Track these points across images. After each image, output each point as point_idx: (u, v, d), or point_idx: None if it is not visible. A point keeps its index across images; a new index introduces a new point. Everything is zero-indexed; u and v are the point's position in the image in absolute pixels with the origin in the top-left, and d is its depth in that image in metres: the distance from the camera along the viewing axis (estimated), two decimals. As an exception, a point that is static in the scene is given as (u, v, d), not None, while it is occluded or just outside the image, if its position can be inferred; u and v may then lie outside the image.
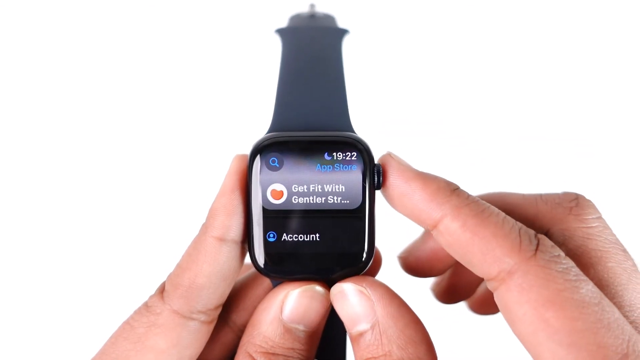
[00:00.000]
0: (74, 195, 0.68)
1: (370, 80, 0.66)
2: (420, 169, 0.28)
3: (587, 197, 0.29)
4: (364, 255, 0.28)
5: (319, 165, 0.27)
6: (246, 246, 0.28)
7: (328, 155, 0.27)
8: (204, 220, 0.28)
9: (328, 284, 0.28)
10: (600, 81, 0.69)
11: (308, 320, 0.28)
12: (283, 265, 0.28)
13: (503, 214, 0.26)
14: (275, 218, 0.27)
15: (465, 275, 0.35)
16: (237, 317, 0.30)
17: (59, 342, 0.66)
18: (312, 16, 0.40)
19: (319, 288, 0.28)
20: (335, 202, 0.27)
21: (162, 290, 0.28)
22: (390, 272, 0.33)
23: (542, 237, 0.25)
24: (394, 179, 0.27)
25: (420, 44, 0.69)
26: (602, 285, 0.26)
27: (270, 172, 0.27)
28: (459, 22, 0.70)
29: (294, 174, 0.27)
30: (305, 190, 0.27)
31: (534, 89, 0.70)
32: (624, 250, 0.27)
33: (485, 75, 0.70)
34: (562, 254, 0.25)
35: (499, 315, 0.26)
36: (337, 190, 0.27)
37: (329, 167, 0.27)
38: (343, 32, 0.36)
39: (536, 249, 0.24)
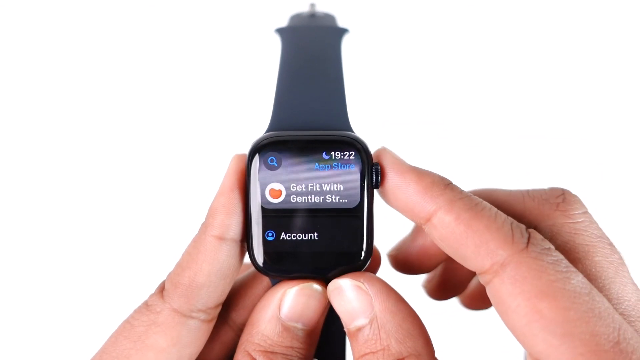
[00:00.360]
0: (74, 194, 0.68)
1: (369, 80, 0.66)
2: (418, 163, 0.28)
3: (573, 192, 0.29)
4: (362, 254, 0.28)
5: (317, 164, 0.28)
6: (245, 245, 0.28)
7: (326, 154, 0.28)
8: (203, 220, 0.28)
9: (326, 282, 0.28)
10: (586, 78, 0.69)
11: (306, 318, 0.28)
12: (282, 264, 0.28)
13: (495, 208, 0.26)
14: (274, 217, 0.28)
15: (457, 272, 0.35)
16: (237, 316, 0.31)
17: (60, 341, 0.66)
18: (313, 15, 0.40)
19: (316, 286, 0.28)
20: (334, 201, 0.28)
21: (162, 289, 0.28)
22: (389, 269, 0.34)
23: (532, 230, 0.26)
24: (388, 171, 0.27)
25: (419, 43, 0.69)
26: (590, 279, 0.27)
27: (268, 172, 0.28)
28: (457, 21, 0.70)
29: (292, 173, 0.28)
30: (304, 190, 0.28)
31: (524, 87, 0.70)
32: (610, 244, 0.28)
33: (483, 74, 0.70)
34: (552, 246, 0.25)
35: (492, 310, 0.27)
36: (336, 189, 0.28)
37: (327, 167, 0.28)
38: (343, 32, 0.36)
39: (528, 242, 0.25)
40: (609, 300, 0.26)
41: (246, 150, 0.28)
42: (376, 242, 0.29)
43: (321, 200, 0.28)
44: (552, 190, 0.29)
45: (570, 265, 0.25)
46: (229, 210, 0.27)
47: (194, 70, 0.69)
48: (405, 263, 0.34)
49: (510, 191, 0.30)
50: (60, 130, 0.69)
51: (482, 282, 0.26)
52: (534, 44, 0.70)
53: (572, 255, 0.27)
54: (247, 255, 0.29)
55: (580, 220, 0.28)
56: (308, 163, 0.28)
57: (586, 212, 0.28)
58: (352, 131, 0.29)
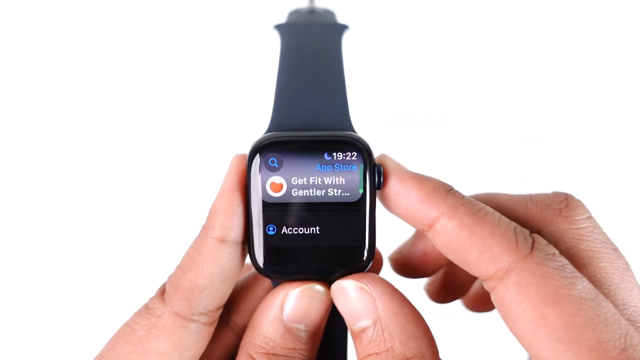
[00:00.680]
0: (72, 196, 0.68)
1: (370, 78, 0.65)
2: (417, 168, 0.28)
3: (577, 196, 0.29)
4: (365, 253, 0.27)
5: (318, 165, 0.27)
6: (246, 247, 0.28)
7: (328, 155, 0.27)
8: (203, 221, 0.28)
9: (329, 283, 0.28)
10: (588, 80, 0.69)
11: (309, 319, 0.27)
12: (283, 264, 0.27)
13: (498, 213, 0.26)
14: (275, 211, 0.27)
15: (458, 275, 0.35)
16: (238, 318, 0.30)
17: (58, 343, 0.66)
18: (312, 11, 0.40)
19: (319, 287, 0.28)
20: (336, 195, 0.27)
21: (162, 292, 0.28)
22: (390, 270, 0.33)
23: (536, 235, 0.25)
24: (389, 179, 0.27)
25: (420, 40, 0.69)
26: (596, 284, 0.26)
27: (269, 173, 0.27)
28: (459, 18, 0.69)
29: (294, 174, 0.27)
30: (305, 183, 0.27)
31: (528, 88, 0.70)
32: (615, 249, 0.27)
33: (485, 74, 0.70)
34: (557, 252, 0.25)
35: (495, 312, 0.26)
36: (337, 191, 0.27)
37: (329, 167, 0.27)
38: (343, 28, 0.35)
39: (532, 247, 0.24)
40: (615, 306, 0.25)
41: (246, 151, 0.28)
42: (378, 245, 0.29)
43: (323, 194, 0.27)
44: (555, 195, 0.29)
45: (575, 270, 0.24)
46: (230, 212, 0.27)
47: (192, 69, 0.68)
48: (406, 267, 0.33)
49: (513, 196, 0.29)
50: (58, 131, 0.68)
51: (486, 288, 0.26)
52: (538, 43, 0.70)
53: (576, 261, 0.27)
54: (247, 257, 0.28)
55: (584, 225, 0.27)
56: (309, 164, 0.27)
57: (590, 217, 0.28)
58: (354, 131, 0.29)
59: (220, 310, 0.28)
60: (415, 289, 0.33)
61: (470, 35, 0.69)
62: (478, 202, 0.26)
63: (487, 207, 0.26)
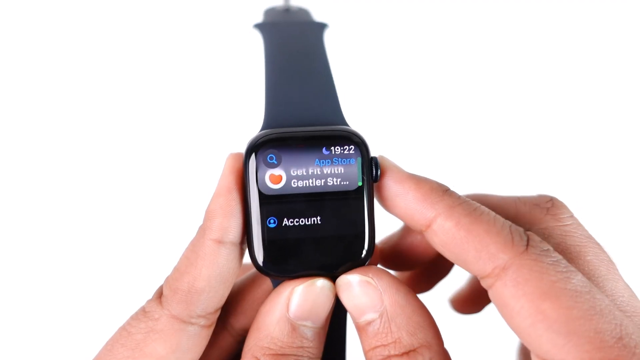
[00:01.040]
0: (67, 198, 0.66)
1: (356, 75, 0.65)
2: (407, 166, 0.28)
3: (560, 198, 0.30)
4: (366, 245, 0.27)
5: (317, 160, 0.27)
6: (244, 247, 0.27)
7: (326, 149, 0.27)
8: (198, 222, 0.27)
9: (332, 278, 0.28)
10: (577, 83, 0.71)
11: (315, 315, 0.27)
12: (284, 261, 0.27)
13: (493, 212, 0.26)
14: (275, 203, 0.27)
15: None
16: (235, 321, 0.30)
17: (54, 346, 0.64)
18: (287, 10, 0.40)
19: (324, 281, 0.27)
20: (335, 184, 0.27)
21: (159, 295, 0.27)
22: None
23: (530, 233, 0.26)
24: (386, 179, 0.27)
25: (405, 37, 0.69)
26: (586, 277, 0.27)
27: (267, 170, 0.27)
28: (447, 12, 0.70)
29: (293, 170, 0.27)
30: (304, 174, 0.27)
31: (513, 87, 0.71)
32: (597, 244, 0.29)
33: (474, 71, 0.70)
34: (551, 248, 0.26)
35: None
36: (337, 184, 0.27)
37: (328, 162, 0.27)
38: (323, 26, 0.36)
39: (527, 244, 0.25)
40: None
41: (241, 149, 0.28)
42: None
43: (322, 184, 0.27)
44: (541, 196, 0.30)
45: (569, 265, 0.25)
46: (227, 212, 0.26)
47: (179, 71, 0.67)
48: (392, 258, 0.34)
49: (503, 196, 0.30)
50: (52, 133, 0.67)
51: (484, 286, 0.26)
52: (528, 40, 0.70)
53: (565, 256, 0.27)
54: (245, 257, 0.28)
55: (569, 223, 0.29)
56: (308, 159, 0.27)
57: (573, 216, 0.29)
58: (348, 125, 0.29)
59: (218, 313, 0.28)
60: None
61: (460, 30, 0.70)
62: (474, 202, 0.27)
63: (483, 207, 0.26)
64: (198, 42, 0.67)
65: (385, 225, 0.31)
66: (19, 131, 0.67)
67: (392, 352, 0.26)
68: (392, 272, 0.34)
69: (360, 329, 0.27)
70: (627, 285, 0.27)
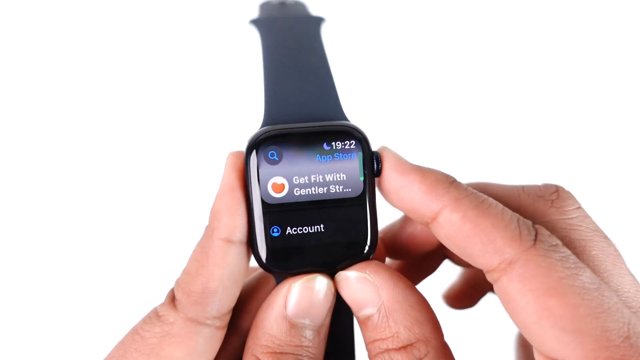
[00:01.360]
0: (66, 197, 0.66)
1: (355, 70, 0.65)
2: (414, 162, 0.28)
3: (566, 188, 0.29)
4: (368, 242, 0.27)
5: (318, 155, 0.27)
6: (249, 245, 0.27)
7: (327, 145, 0.27)
8: (195, 224, 0.27)
9: (333, 275, 0.28)
10: (577, 75, 0.70)
11: (314, 313, 0.27)
12: (288, 260, 0.27)
13: (501, 205, 0.26)
14: (278, 212, 0.27)
15: (478, 277, 0.35)
16: (243, 322, 0.30)
17: (56, 347, 0.64)
18: (283, 4, 0.39)
19: (322, 278, 0.27)
20: (337, 191, 0.27)
21: (172, 298, 0.27)
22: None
23: (539, 227, 0.25)
24: (390, 172, 0.27)
25: (403, 31, 0.69)
26: None
27: (269, 166, 0.27)
28: (440, 6, 0.70)
29: (294, 166, 0.27)
30: (307, 182, 0.27)
31: (517, 80, 0.70)
32: (605, 237, 0.28)
33: (472, 61, 0.70)
34: (559, 243, 0.25)
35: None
36: (338, 179, 0.27)
37: (329, 157, 0.27)
38: (320, 21, 0.35)
39: (535, 239, 0.25)
40: None
41: (241, 147, 0.27)
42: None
43: (325, 191, 0.27)
44: (546, 186, 0.29)
45: (578, 261, 0.25)
46: (233, 211, 0.26)
47: (176, 70, 0.67)
48: (391, 247, 0.33)
49: (506, 186, 0.29)
50: (54, 133, 0.66)
51: (489, 279, 0.25)
52: (528, 31, 0.70)
53: (570, 250, 0.26)
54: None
55: (574, 215, 0.28)
56: (309, 155, 0.27)
57: (580, 208, 0.28)
58: (347, 120, 0.29)
59: (230, 313, 0.28)
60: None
61: (460, 20, 0.70)
62: (481, 194, 0.26)
63: (490, 199, 0.26)
64: (195, 40, 0.67)
65: (386, 214, 0.31)
66: (23, 133, 0.67)
67: (390, 346, 0.26)
68: (389, 260, 0.35)
69: (361, 322, 0.27)
70: (635, 280, 0.27)
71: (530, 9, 0.70)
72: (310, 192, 0.27)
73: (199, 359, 0.27)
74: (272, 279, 0.29)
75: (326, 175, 0.27)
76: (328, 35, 0.35)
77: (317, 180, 0.27)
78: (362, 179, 0.27)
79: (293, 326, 0.27)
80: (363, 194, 0.27)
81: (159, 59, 0.67)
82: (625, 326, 0.23)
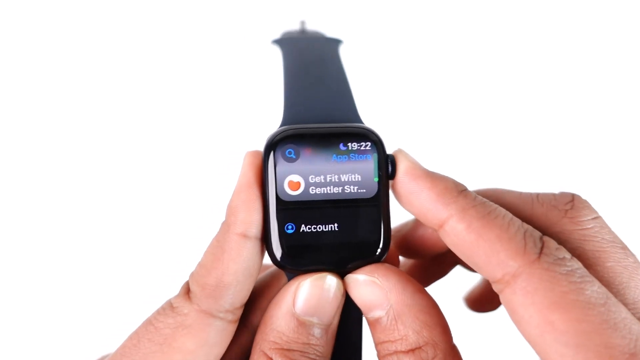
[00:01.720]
0: (78, 198, 0.67)
1: (370, 84, 0.66)
2: (428, 167, 0.28)
3: (584, 196, 0.29)
4: (380, 244, 0.27)
5: (334, 155, 0.27)
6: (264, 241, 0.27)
7: (343, 145, 0.27)
8: (204, 222, 0.27)
9: (344, 274, 0.28)
10: (595, 79, 0.70)
11: (322, 311, 0.27)
12: (300, 258, 0.27)
13: (510, 215, 0.26)
14: (294, 209, 0.27)
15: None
16: (255, 318, 0.29)
17: (62, 341, 0.64)
18: (303, 32, 0.41)
19: (331, 277, 0.27)
20: (352, 191, 0.27)
21: (187, 291, 0.27)
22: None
23: (547, 239, 0.25)
24: (402, 176, 0.27)
25: (420, 45, 0.70)
26: (604, 285, 0.26)
27: (286, 164, 0.27)
28: (448, 31, 0.70)
29: (311, 165, 0.27)
30: (322, 181, 0.27)
31: (531, 85, 0.70)
32: (624, 248, 0.27)
33: (488, 71, 0.70)
34: (568, 255, 0.25)
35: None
36: (353, 179, 0.27)
37: (345, 157, 0.27)
38: (338, 42, 0.37)
39: (540, 252, 0.24)
40: (625, 305, 0.25)
41: (257, 147, 0.28)
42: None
43: (340, 191, 0.27)
44: (562, 195, 0.28)
45: (586, 274, 0.24)
46: (249, 207, 0.26)
47: (195, 77, 0.69)
48: (402, 246, 0.33)
49: (520, 194, 0.29)
50: (70, 133, 0.68)
51: (494, 289, 0.25)
52: (541, 41, 0.70)
53: (582, 262, 0.26)
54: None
55: (589, 226, 0.27)
56: (326, 154, 0.27)
57: (597, 217, 0.28)
58: (363, 123, 0.29)
59: (243, 308, 0.28)
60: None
61: (472, 27, 0.70)
62: (490, 203, 0.26)
63: (499, 209, 0.26)
64: (219, 48, 0.69)
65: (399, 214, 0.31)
66: (44, 134, 0.68)
67: (399, 348, 0.26)
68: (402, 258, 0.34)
69: (370, 324, 0.27)
70: None
71: (539, 16, 0.71)
72: (325, 191, 0.27)
73: (210, 351, 0.27)
74: (284, 277, 0.29)
75: (341, 175, 0.27)
76: (346, 53, 0.36)
77: (333, 180, 0.27)
78: (376, 180, 0.27)
79: (301, 324, 0.27)
80: (377, 195, 0.27)
81: (186, 64, 0.69)
82: (632, 343, 0.23)
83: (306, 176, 0.27)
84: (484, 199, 0.26)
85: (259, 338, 0.27)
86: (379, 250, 0.27)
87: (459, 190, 0.26)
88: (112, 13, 0.69)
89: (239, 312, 0.27)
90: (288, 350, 0.26)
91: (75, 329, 0.64)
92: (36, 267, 0.66)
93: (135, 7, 0.69)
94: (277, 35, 0.39)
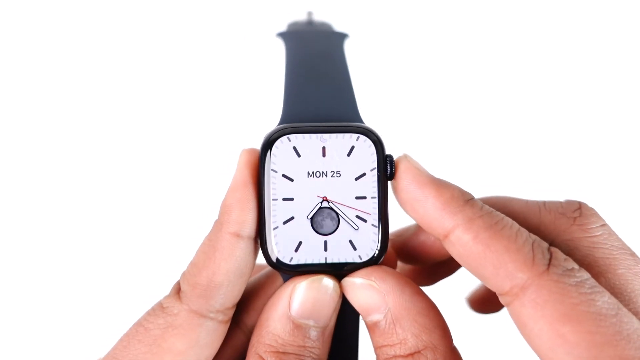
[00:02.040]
0: (75, 198, 0.67)
1: (374, 81, 0.65)
2: (430, 170, 0.27)
3: (590, 204, 0.28)
4: (378, 245, 0.27)
5: None
6: (258, 241, 0.27)
7: None
8: (203, 220, 0.27)
9: (341, 277, 0.27)
10: (605, 84, 0.69)
11: (318, 314, 0.26)
12: (295, 258, 0.27)
13: (517, 226, 0.25)
14: (290, 205, 0.26)
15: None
16: (248, 319, 0.29)
17: (59, 343, 0.64)
18: (310, 23, 0.40)
19: (328, 280, 0.27)
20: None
21: (177, 290, 0.27)
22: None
23: (555, 250, 0.24)
24: (406, 182, 0.26)
25: (419, 47, 0.69)
26: (615, 292, 0.25)
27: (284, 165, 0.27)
28: (455, 32, 0.70)
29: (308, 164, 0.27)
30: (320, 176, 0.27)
31: (534, 88, 0.69)
32: (632, 254, 0.27)
33: (492, 75, 0.70)
34: (576, 266, 0.24)
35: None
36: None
37: None
38: (344, 36, 0.36)
39: (549, 263, 0.24)
40: (636, 314, 0.25)
41: (254, 144, 0.27)
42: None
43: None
44: (569, 203, 0.28)
45: (596, 284, 0.24)
46: (243, 206, 0.26)
47: (193, 74, 0.68)
48: (402, 252, 0.33)
49: (527, 202, 0.28)
50: (69, 133, 0.68)
51: (502, 302, 0.25)
52: (547, 45, 0.69)
53: (593, 270, 0.26)
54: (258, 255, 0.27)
55: (598, 233, 0.27)
56: (323, 154, 0.27)
57: (604, 225, 0.27)
58: (363, 123, 0.28)
59: (234, 308, 0.27)
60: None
61: (476, 32, 0.69)
62: (497, 213, 0.25)
63: (506, 219, 0.25)
64: (214, 43, 0.68)
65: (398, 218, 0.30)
66: (66, 136, 0.68)
67: (398, 352, 0.26)
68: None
69: (369, 327, 0.27)
70: None
71: (550, 19, 0.69)
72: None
73: (201, 352, 0.26)
74: (279, 278, 0.29)
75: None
76: (351, 49, 0.35)
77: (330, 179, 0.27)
78: (375, 181, 0.27)
79: (297, 326, 0.26)
80: (376, 191, 0.27)
81: (181, 61, 0.69)
82: None
83: (303, 174, 0.27)
84: (491, 209, 0.25)
85: (254, 340, 0.27)
86: (375, 252, 0.27)
87: (466, 199, 0.25)
88: (110, 6, 0.68)
89: (230, 313, 0.27)
90: (283, 353, 0.26)
91: (68, 332, 0.64)
92: (31, 266, 0.66)
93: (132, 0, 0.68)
94: (284, 26, 0.39)
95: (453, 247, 0.25)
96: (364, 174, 0.27)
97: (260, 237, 0.27)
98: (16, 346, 0.64)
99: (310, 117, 0.28)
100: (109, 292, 0.64)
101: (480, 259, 0.24)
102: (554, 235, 0.27)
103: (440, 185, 0.26)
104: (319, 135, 0.27)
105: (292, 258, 0.27)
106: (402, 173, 0.26)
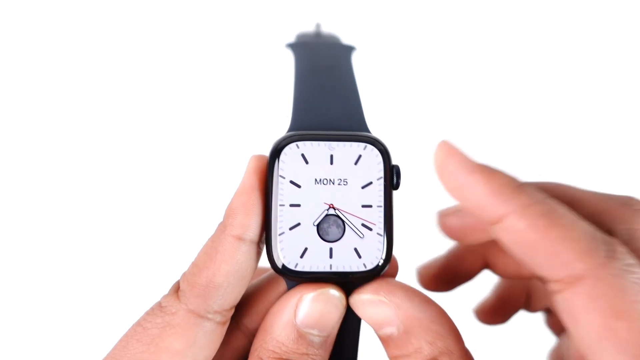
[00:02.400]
0: (78, 197, 0.67)
1: (380, 91, 0.65)
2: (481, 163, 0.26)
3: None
4: (383, 254, 0.27)
5: None
6: (262, 246, 0.27)
7: None
8: (208, 222, 0.27)
9: (346, 286, 0.27)
10: (609, 85, 0.69)
11: (322, 325, 0.26)
12: (300, 265, 0.27)
13: (574, 214, 0.24)
14: (296, 212, 0.27)
15: (512, 292, 0.35)
16: (249, 321, 0.29)
17: (61, 344, 0.63)
18: (318, 35, 0.41)
19: (334, 291, 0.27)
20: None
21: (176, 289, 0.27)
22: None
23: (617, 242, 0.24)
24: (455, 169, 0.25)
25: (422, 61, 0.69)
26: None
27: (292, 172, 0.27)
28: (462, 43, 0.70)
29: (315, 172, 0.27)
30: (327, 184, 0.27)
31: (543, 99, 0.69)
32: None
33: (488, 77, 0.70)
34: (637, 262, 0.23)
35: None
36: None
37: None
38: (351, 49, 0.36)
39: (609, 256, 0.23)
40: None
41: (263, 151, 0.28)
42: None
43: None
44: (630, 197, 0.27)
45: None
46: (248, 211, 0.26)
47: (206, 82, 0.69)
48: (428, 282, 0.33)
49: (586, 191, 0.27)
50: (77, 134, 0.68)
51: (548, 289, 0.24)
52: (549, 49, 0.69)
53: None
54: (261, 259, 0.28)
55: None
56: (330, 162, 0.27)
57: None
58: (370, 132, 0.29)
59: (233, 310, 0.27)
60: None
61: (487, 49, 0.69)
62: (552, 200, 0.24)
63: (562, 207, 0.24)
64: (230, 56, 0.69)
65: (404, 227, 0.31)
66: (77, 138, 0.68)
67: None
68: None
69: (383, 340, 0.27)
70: None
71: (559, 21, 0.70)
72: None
73: (199, 352, 0.26)
74: (282, 282, 0.29)
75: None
76: (359, 61, 0.36)
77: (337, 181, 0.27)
78: (381, 190, 0.27)
79: (301, 335, 0.26)
80: (381, 203, 0.27)
81: (194, 69, 0.69)
82: None
83: (310, 182, 0.27)
84: (545, 195, 0.24)
85: (257, 344, 0.27)
86: (380, 261, 0.27)
87: (517, 185, 0.24)
88: (121, 12, 0.69)
89: (229, 315, 0.27)
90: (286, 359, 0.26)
91: (68, 332, 0.64)
92: (32, 267, 0.65)
93: (143, 6, 0.69)
94: (292, 38, 0.39)
95: (505, 233, 0.24)
96: (371, 183, 0.27)
97: (266, 242, 0.27)
98: (16, 346, 0.63)
99: (319, 126, 0.29)
100: (109, 292, 0.64)
101: (535, 247, 0.24)
102: (615, 223, 0.26)
103: (490, 172, 0.25)
104: (327, 143, 0.27)
105: (297, 264, 0.27)
106: (446, 158, 0.25)
